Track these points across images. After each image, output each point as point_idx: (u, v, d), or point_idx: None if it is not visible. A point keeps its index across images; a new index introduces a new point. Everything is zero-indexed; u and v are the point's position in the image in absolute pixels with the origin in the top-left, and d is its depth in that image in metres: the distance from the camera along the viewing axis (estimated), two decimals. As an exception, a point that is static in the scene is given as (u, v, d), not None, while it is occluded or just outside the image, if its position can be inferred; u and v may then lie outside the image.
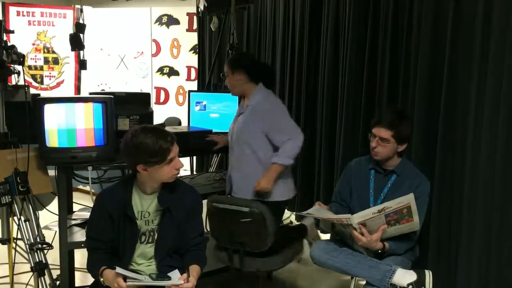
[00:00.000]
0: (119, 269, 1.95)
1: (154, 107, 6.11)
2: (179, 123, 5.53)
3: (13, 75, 2.80)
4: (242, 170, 2.98)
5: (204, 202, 2.71)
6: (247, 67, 2.98)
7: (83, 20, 4.95)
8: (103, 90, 6.30)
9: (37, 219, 2.84)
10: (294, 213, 4.67)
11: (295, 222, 4.56)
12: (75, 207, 3.35)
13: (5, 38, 2.78)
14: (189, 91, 4.22)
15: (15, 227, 2.77)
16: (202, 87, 5.86)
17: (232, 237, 2.75)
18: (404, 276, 2.26)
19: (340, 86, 3.83)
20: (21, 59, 2.81)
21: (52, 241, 2.82)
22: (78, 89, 6.45)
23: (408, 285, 2.24)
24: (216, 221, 2.84)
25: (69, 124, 2.68)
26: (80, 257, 3.25)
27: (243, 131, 2.94)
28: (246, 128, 2.93)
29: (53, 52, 6.36)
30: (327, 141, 4.04)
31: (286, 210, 4.75)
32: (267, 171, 2.85)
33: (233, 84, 3.02)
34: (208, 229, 3.61)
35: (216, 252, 2.87)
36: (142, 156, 2.04)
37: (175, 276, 2.06)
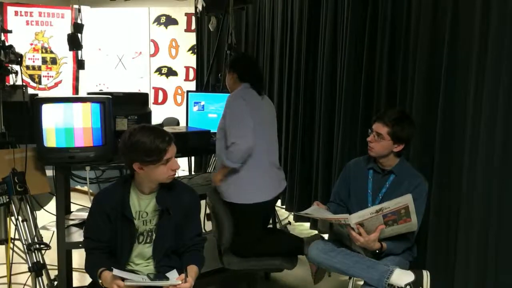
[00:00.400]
0: (116, 271, 1.94)
1: (152, 107, 6.11)
2: (177, 124, 5.53)
3: (11, 75, 2.80)
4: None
5: (202, 202, 2.71)
6: (239, 68, 3.02)
7: (81, 20, 4.94)
8: (101, 90, 6.30)
9: (34, 219, 2.84)
10: (293, 213, 4.68)
11: (293, 223, 4.57)
12: (73, 207, 3.35)
13: (3, 38, 2.78)
14: (187, 91, 4.22)
15: (12, 227, 2.76)
16: (200, 87, 5.87)
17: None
18: (402, 276, 2.26)
19: (338, 86, 3.84)
20: (19, 59, 2.81)
21: (50, 241, 2.81)
22: (76, 89, 6.45)
23: (406, 285, 2.24)
24: None
25: (67, 124, 2.68)
26: (78, 257, 3.24)
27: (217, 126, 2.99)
28: (219, 123, 2.97)
29: (51, 52, 6.35)
30: (325, 141, 4.05)
31: (284, 210, 4.80)
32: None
33: (227, 82, 3.10)
34: (206, 230, 3.61)
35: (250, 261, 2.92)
36: (138, 155, 2.04)
37: (173, 276, 2.06)
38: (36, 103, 2.63)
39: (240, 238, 2.83)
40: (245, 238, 2.85)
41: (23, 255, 2.76)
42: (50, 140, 2.65)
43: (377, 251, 2.37)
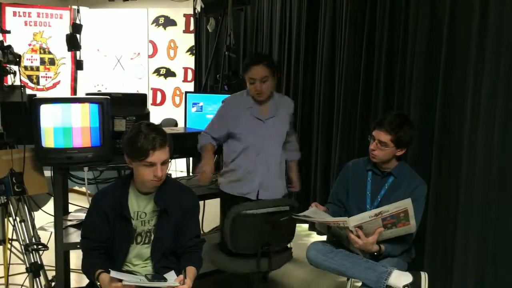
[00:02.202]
0: (113, 273, 1.94)
1: (151, 108, 6.10)
2: (176, 125, 5.52)
3: (9, 76, 2.79)
4: (276, 169, 3.01)
5: (201, 203, 2.71)
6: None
7: (79, 20, 4.95)
8: (99, 91, 6.29)
9: (32, 220, 2.83)
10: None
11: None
12: (71, 208, 3.34)
13: (1, 38, 2.78)
14: (186, 92, 4.22)
15: (10, 227, 2.76)
16: (198, 89, 5.86)
17: (262, 240, 2.69)
18: (400, 277, 2.26)
19: (337, 87, 3.84)
20: (17, 59, 2.80)
21: (48, 242, 2.81)
22: (74, 90, 6.44)
23: (404, 286, 2.24)
24: (242, 229, 2.70)
25: (65, 124, 2.67)
26: (76, 258, 3.23)
27: (283, 131, 3.02)
28: (285, 127, 3.03)
29: (49, 52, 6.34)
30: (323, 142, 4.05)
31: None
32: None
33: (272, 86, 2.98)
34: (205, 231, 3.60)
35: (237, 261, 2.74)
36: (127, 149, 2.08)
37: (171, 277, 2.05)
38: (35, 103, 2.62)
39: None
40: None
41: (21, 256, 2.75)
42: (48, 140, 2.64)
43: (375, 253, 2.37)
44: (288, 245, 3.33)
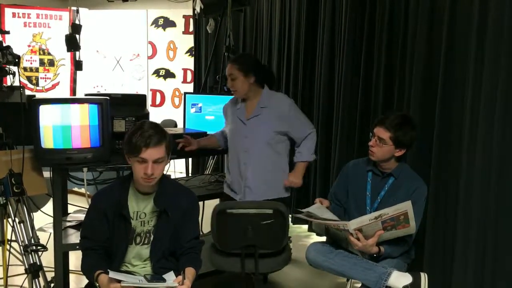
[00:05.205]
0: (112, 273, 1.94)
1: (150, 109, 6.09)
2: (175, 126, 5.52)
3: (8, 76, 2.79)
4: (260, 171, 2.97)
5: (200, 204, 2.70)
6: (256, 70, 2.98)
7: (79, 21, 4.94)
8: (98, 91, 6.29)
9: (31, 220, 2.83)
10: (290, 215, 4.66)
11: (291, 225, 4.55)
12: (70, 209, 3.34)
13: (0, 39, 2.77)
14: (185, 93, 4.22)
15: (9, 228, 2.75)
16: (198, 89, 5.86)
17: (246, 241, 2.65)
18: (400, 278, 2.26)
19: (336, 87, 3.84)
20: (17, 59, 2.80)
21: (47, 243, 2.81)
22: (73, 91, 6.44)
23: (404, 287, 2.24)
24: (225, 227, 2.70)
25: (65, 125, 2.67)
26: (75, 259, 3.23)
27: (268, 130, 2.94)
28: (270, 127, 2.94)
29: (49, 54, 6.34)
30: (323, 144, 4.05)
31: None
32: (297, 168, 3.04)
33: (241, 85, 2.94)
34: (204, 232, 3.59)
35: (223, 259, 2.74)
36: (125, 143, 2.11)
37: (170, 278, 2.05)
38: (34, 104, 2.61)
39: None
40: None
41: (20, 257, 2.75)
42: (48, 141, 2.64)
43: (374, 255, 2.37)
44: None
